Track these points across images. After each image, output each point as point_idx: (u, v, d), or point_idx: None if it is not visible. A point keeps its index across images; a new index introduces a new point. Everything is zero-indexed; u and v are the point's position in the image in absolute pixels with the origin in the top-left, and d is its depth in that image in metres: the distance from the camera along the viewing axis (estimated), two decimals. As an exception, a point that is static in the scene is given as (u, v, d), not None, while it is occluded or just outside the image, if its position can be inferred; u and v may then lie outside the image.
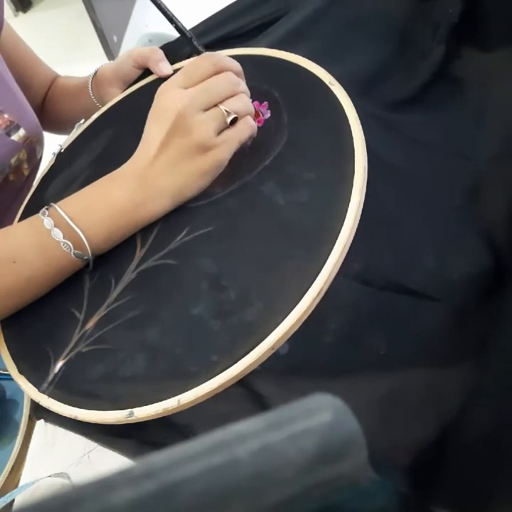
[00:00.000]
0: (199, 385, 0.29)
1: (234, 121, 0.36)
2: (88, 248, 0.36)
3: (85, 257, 0.37)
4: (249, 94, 0.38)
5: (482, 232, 0.36)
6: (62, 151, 0.49)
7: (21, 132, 0.56)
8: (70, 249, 0.36)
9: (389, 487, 0.28)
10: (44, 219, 0.36)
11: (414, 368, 0.32)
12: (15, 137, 0.55)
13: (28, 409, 0.44)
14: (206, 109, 0.35)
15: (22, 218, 0.46)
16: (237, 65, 0.37)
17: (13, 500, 0.35)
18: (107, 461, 0.35)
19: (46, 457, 0.38)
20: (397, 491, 0.28)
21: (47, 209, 0.37)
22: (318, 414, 0.14)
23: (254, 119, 0.38)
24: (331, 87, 0.38)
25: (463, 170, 0.39)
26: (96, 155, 0.46)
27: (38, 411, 0.36)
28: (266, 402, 0.33)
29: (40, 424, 0.39)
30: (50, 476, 0.36)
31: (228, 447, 0.13)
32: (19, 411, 0.46)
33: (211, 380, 0.29)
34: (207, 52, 0.37)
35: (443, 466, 0.29)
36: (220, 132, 0.35)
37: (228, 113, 0.35)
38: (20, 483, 0.38)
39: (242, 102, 0.36)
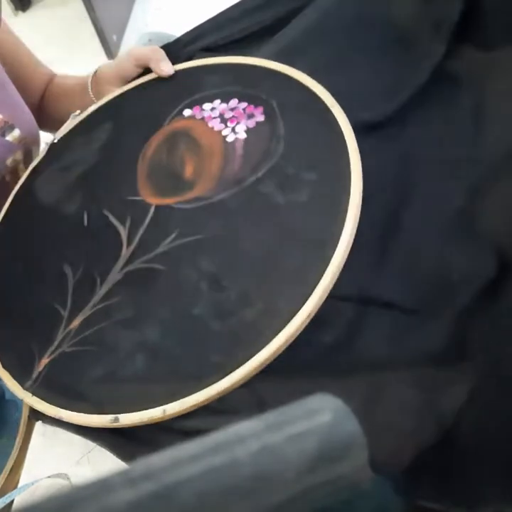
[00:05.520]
0: (186, 396, 0.30)
1: None
2: None
3: None
4: None
5: (483, 233, 0.36)
6: (56, 141, 0.49)
7: (16, 133, 0.55)
8: None
9: (389, 487, 0.28)
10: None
11: (414, 368, 0.32)
12: (9, 138, 0.55)
13: (27, 410, 0.44)
14: None
15: (10, 208, 0.46)
16: None
17: (12, 501, 0.35)
18: (107, 462, 0.35)
19: (45, 458, 0.38)
20: (396, 491, 0.28)
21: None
22: (319, 415, 0.13)
23: None
24: (332, 110, 0.38)
25: (463, 171, 0.39)
26: (97, 147, 0.46)
27: (36, 412, 0.36)
28: (265, 402, 0.33)
29: (40, 424, 0.39)
30: (49, 477, 0.35)
31: (228, 448, 0.12)
32: (18, 412, 0.46)
33: (197, 394, 0.29)
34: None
35: (441, 464, 0.29)
36: None
37: None
38: (20, 484, 0.38)
39: None
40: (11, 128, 0.55)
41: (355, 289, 0.35)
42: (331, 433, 0.13)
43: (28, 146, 0.57)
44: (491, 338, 0.32)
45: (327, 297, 0.31)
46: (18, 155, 0.56)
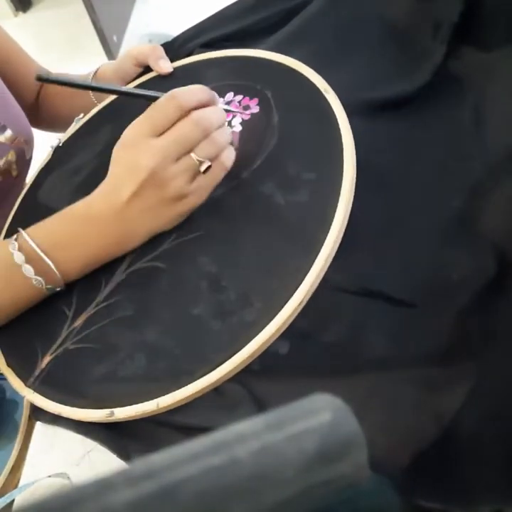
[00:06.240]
0: (178, 389, 0.30)
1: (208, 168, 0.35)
2: (62, 281, 0.36)
3: (57, 288, 0.36)
4: (223, 120, 0.36)
5: (483, 233, 0.36)
6: (61, 144, 0.49)
7: (8, 133, 0.55)
8: (42, 285, 0.35)
9: (388, 487, 0.28)
10: (14, 253, 0.34)
11: (413, 368, 0.32)
12: (1, 138, 0.54)
13: (28, 409, 0.44)
14: (178, 158, 0.34)
15: (17, 213, 0.46)
16: (204, 94, 0.36)
17: (12, 501, 0.35)
18: (107, 461, 0.35)
19: (46, 457, 0.38)
20: (396, 491, 0.28)
21: (16, 240, 0.35)
22: (318, 414, 0.13)
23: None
24: (326, 95, 0.38)
25: (463, 170, 0.39)
26: (98, 150, 0.46)
27: (36, 412, 0.37)
28: (265, 402, 0.33)
29: (40, 424, 0.39)
30: (49, 476, 0.36)
31: (228, 447, 0.13)
32: (19, 411, 0.46)
33: (188, 386, 0.30)
34: (169, 93, 0.35)
35: (440, 464, 0.29)
36: (194, 178, 0.35)
37: (201, 162, 0.34)
38: (20, 484, 0.38)
39: (215, 145, 0.35)
40: (3, 129, 0.54)
41: (355, 289, 0.35)
42: (330, 433, 0.13)
43: (20, 146, 0.57)
44: (491, 337, 0.32)
45: (323, 290, 0.31)
46: (11, 155, 0.56)
